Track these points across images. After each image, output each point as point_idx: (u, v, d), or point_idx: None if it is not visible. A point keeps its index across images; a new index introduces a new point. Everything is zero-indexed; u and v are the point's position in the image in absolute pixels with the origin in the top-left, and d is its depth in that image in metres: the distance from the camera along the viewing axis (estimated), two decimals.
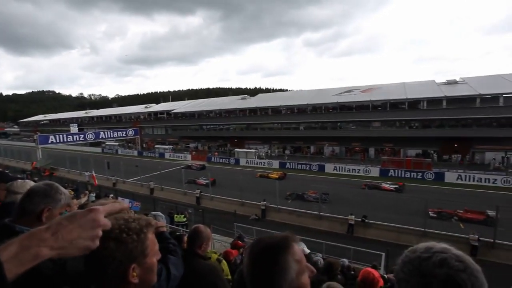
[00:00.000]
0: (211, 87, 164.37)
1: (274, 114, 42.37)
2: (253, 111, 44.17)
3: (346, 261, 7.50)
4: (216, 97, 73.96)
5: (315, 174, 29.32)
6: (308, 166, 31.53)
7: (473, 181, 24.05)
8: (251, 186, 22.57)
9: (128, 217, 0.92)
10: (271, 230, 13.60)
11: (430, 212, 16.01)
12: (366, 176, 27.58)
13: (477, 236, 12.46)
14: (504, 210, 13.86)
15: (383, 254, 10.48)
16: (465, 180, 24.35)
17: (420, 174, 26.34)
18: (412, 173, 26.70)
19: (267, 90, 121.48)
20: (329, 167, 30.32)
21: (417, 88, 37.21)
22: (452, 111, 31.22)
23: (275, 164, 33.30)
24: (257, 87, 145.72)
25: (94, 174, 23.48)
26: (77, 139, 39.01)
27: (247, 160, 35.71)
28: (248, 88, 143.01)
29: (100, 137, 42.03)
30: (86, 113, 74.55)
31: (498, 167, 27.10)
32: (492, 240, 12.65)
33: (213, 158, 38.96)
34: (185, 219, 15.22)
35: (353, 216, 15.47)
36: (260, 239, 0.95)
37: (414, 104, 34.32)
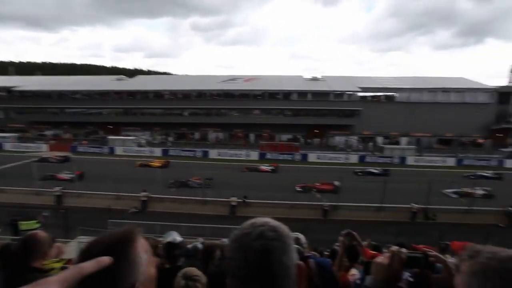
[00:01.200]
0: (77, 62, 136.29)
1: (156, 98, 39.65)
2: (132, 94, 39.97)
3: (226, 241, 7.94)
4: (84, 75, 61.99)
5: (199, 160, 29.49)
6: (193, 152, 31.45)
7: (327, 159, 30.33)
8: (129, 177, 20.51)
9: None
10: (153, 222, 12.86)
11: (297, 188, 19.19)
12: (247, 160, 29.91)
13: (327, 203, 16.27)
14: (345, 180, 18.93)
15: None
16: (322, 159, 30.40)
17: (291, 156, 30.87)
18: (284, 155, 30.90)
19: (150, 73, 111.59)
20: (213, 153, 31.21)
21: (290, 82, 42.83)
22: (314, 103, 37.93)
23: (157, 151, 31.67)
24: (138, 68, 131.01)
25: None
26: None
27: (124, 149, 32.21)
28: (127, 68, 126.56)
29: None
30: None
31: (342, 148, 34.90)
32: (336, 203, 16.68)
33: (80, 147, 33.01)
34: (38, 225, 12.29)
35: (235, 198, 16.52)
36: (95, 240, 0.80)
37: (287, 95, 39.42)
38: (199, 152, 31.43)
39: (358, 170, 25.33)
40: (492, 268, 0.74)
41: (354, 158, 30.52)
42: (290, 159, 30.61)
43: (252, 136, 39.67)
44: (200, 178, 19.67)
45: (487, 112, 37.94)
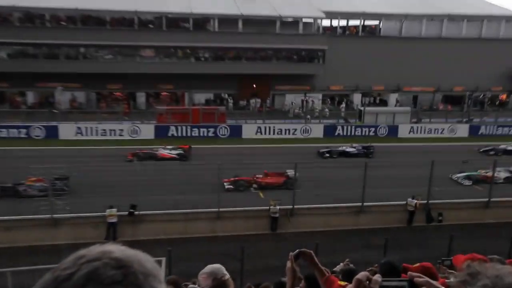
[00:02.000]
0: None
1: None
2: None
3: None
4: None
5: (39, 145, 28.10)
6: (24, 130, 29.88)
7: (273, 133, 31.63)
8: None
9: None
10: None
11: (225, 184, 19.64)
12: (134, 139, 29.40)
13: (278, 207, 16.87)
14: (304, 167, 19.41)
15: (163, 259, 11.55)
16: (265, 133, 31.58)
17: (212, 130, 31.21)
18: (201, 129, 31.09)
19: None
20: (67, 130, 30.03)
21: None
22: (250, 37, 38.41)
23: None
24: None
25: None
26: None
27: None
28: None
29: None
30: None
31: (298, 113, 36.49)
32: (291, 207, 17.37)
33: None
34: None
35: (114, 210, 16.22)
36: None
37: (202, 23, 38.89)
38: (38, 130, 29.88)
39: (324, 150, 26.79)
40: None
41: (317, 130, 32.18)
42: (212, 135, 30.92)
43: (141, 97, 38.65)
44: (43, 179, 19.00)
45: None
